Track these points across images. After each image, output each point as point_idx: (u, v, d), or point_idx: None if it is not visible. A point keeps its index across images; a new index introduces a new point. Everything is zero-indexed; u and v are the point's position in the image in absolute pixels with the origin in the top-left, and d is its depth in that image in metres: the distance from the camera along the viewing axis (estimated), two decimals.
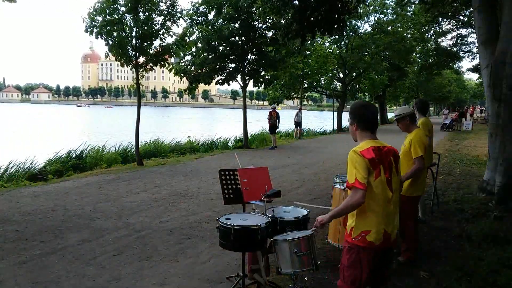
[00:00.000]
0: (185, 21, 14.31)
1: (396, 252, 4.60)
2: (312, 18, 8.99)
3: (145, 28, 10.96)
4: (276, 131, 17.80)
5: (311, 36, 9.77)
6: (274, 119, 16.80)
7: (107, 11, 10.56)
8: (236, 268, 4.30)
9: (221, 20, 15.10)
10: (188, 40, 12.19)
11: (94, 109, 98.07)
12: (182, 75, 15.44)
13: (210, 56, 15.53)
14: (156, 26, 11.29)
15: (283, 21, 12.23)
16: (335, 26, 9.40)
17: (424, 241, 5.14)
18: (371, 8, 29.82)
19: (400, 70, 34.39)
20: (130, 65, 11.49)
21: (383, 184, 2.59)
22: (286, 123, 25.85)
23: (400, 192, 2.82)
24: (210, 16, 15.36)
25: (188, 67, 15.70)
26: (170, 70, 15.19)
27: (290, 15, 9.21)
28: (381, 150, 2.64)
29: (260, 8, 9.85)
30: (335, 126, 28.79)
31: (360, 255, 2.58)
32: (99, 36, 10.76)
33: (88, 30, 10.64)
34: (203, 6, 15.12)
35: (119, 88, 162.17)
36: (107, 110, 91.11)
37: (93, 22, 10.61)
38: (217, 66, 15.81)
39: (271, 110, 17.22)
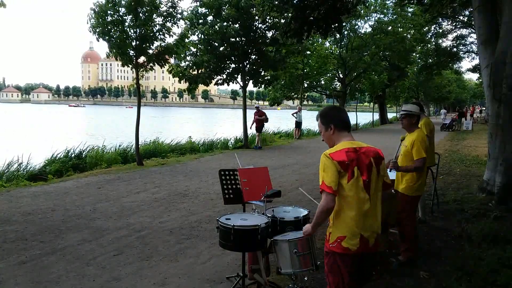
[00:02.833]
0: (185, 23, 14.30)
1: (396, 252, 4.60)
2: (311, 18, 8.99)
3: (145, 29, 10.95)
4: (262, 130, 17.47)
5: (307, 35, 9.73)
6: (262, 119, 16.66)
7: (108, 12, 10.55)
8: (236, 268, 4.31)
9: (219, 22, 15.07)
10: (187, 40, 12.19)
11: (94, 109, 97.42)
12: (181, 75, 15.40)
13: (211, 57, 15.51)
14: (156, 27, 11.29)
15: (282, 21, 12.19)
16: (332, 26, 9.39)
17: (424, 241, 5.14)
18: (371, 8, 29.83)
19: (400, 70, 34.40)
20: (130, 65, 11.50)
21: (358, 186, 2.48)
22: (288, 123, 25.84)
23: (388, 191, 2.69)
24: (210, 18, 15.35)
25: (188, 69, 15.68)
26: (169, 72, 15.20)
27: (289, 14, 9.20)
28: (357, 151, 2.52)
29: (260, 7, 9.81)
30: None
31: (338, 262, 2.51)
32: (100, 38, 10.77)
33: (92, 30, 10.64)
34: (202, 8, 15.10)
35: (119, 88, 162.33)
36: (128, 111, 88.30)
37: (99, 20, 10.58)
38: (218, 67, 15.80)
39: (256, 110, 16.88)
